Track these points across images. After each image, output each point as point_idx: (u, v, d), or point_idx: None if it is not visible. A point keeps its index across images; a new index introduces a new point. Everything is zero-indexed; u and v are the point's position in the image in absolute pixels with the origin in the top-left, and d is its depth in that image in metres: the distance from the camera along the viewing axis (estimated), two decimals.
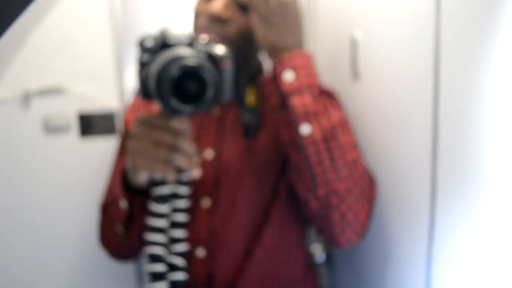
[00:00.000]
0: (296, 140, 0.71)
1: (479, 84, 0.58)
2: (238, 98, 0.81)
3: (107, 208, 0.84)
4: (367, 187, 0.77)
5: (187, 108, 0.60)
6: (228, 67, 0.66)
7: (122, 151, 0.90)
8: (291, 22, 0.72)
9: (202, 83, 0.59)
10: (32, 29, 1.10)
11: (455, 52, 0.62)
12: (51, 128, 1.13)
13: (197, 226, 0.79)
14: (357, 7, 0.91)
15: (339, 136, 0.72)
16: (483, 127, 0.58)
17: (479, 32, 0.57)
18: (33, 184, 1.13)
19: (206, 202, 0.82)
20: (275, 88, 0.73)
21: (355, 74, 0.93)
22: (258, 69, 0.90)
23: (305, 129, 0.70)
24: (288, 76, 0.70)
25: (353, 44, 0.91)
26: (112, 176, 0.90)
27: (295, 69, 0.70)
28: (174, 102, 0.59)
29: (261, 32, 0.71)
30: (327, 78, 0.97)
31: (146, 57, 0.64)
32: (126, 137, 0.89)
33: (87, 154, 1.16)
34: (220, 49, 0.66)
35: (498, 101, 0.55)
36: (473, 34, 0.58)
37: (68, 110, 1.15)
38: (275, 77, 0.71)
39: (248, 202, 0.82)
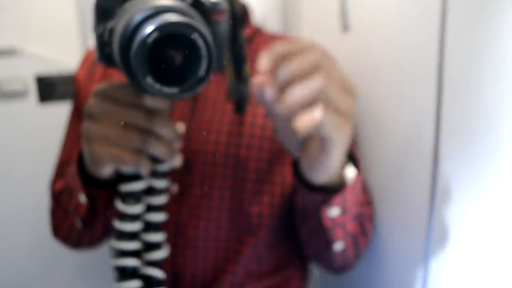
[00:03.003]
0: (326, 253, 0.64)
1: (495, 34, 0.49)
2: (233, 63, 0.59)
3: (61, 198, 0.69)
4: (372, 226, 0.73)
5: (169, 90, 0.39)
6: (223, 21, 0.46)
7: (74, 123, 0.76)
8: None
9: (192, 53, 0.39)
10: None
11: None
12: (6, 93, 1.01)
13: None
14: None
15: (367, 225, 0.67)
16: (495, 93, 0.50)
17: None
18: None
19: (173, 188, 0.69)
20: (303, 203, 0.60)
21: (345, 25, 0.82)
22: (242, 18, 0.72)
23: (339, 245, 0.61)
24: (334, 212, 0.55)
25: None
26: (62, 155, 0.77)
27: (344, 202, 0.55)
28: (150, 82, 0.38)
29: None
30: (313, 31, 0.87)
31: (105, 3, 0.45)
32: (78, 102, 0.76)
33: (47, 122, 1.04)
34: None
35: None
36: None
37: (24, 73, 1.03)
38: (316, 210, 0.55)
39: (222, 195, 0.68)
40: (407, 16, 0.64)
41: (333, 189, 0.52)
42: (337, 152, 0.44)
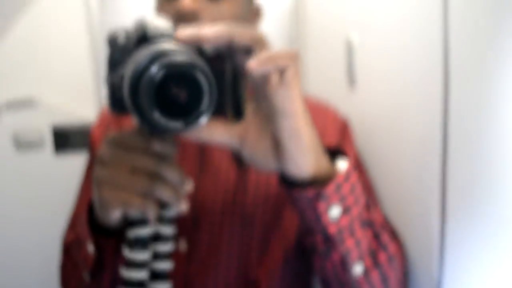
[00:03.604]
0: (344, 280, 0.59)
1: (496, 91, 0.51)
2: (235, 112, 0.58)
3: (71, 249, 0.70)
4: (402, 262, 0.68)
5: (174, 124, 0.42)
6: (224, 69, 0.49)
7: (89, 178, 0.79)
8: None
9: (195, 89, 0.42)
10: None
11: (466, 54, 0.55)
12: (22, 143, 1.04)
13: (171, 274, 0.60)
14: (352, 6, 0.83)
15: (389, 247, 0.62)
16: (500, 141, 0.51)
17: (495, 30, 0.49)
18: (3, 205, 1.05)
19: (182, 245, 0.70)
20: (303, 218, 0.55)
21: (351, 81, 0.85)
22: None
23: (358, 268, 0.57)
24: (335, 212, 0.51)
25: (349, 48, 0.83)
26: (76, 208, 0.79)
27: (343, 199, 0.51)
28: (157, 116, 0.42)
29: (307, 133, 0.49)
30: (319, 85, 0.90)
31: (117, 56, 0.48)
32: (93, 158, 0.78)
33: (62, 172, 1.07)
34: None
35: None
36: (487, 33, 0.51)
37: (40, 124, 1.06)
38: (316, 218, 0.52)
39: (230, 253, 0.69)
40: (412, 72, 0.66)
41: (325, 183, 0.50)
42: (297, 86, 0.45)
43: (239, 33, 0.44)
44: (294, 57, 0.45)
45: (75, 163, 1.05)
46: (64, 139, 1.07)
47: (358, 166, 0.76)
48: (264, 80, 0.45)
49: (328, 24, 0.95)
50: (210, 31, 0.44)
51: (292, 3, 1.07)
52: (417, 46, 0.65)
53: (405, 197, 0.71)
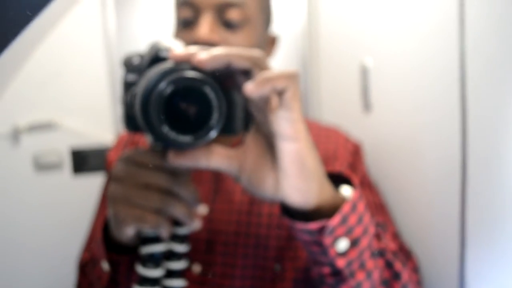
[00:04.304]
0: None
1: None
2: (244, 128, 0.58)
3: (86, 269, 0.70)
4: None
5: (184, 139, 0.42)
6: (235, 90, 0.49)
7: (105, 199, 0.79)
8: None
9: (204, 104, 0.42)
10: (21, 61, 1.04)
11: (483, 75, 0.55)
12: (42, 165, 1.07)
13: None
14: (366, 32, 0.84)
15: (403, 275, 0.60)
16: None
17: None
18: (22, 225, 1.06)
19: (196, 268, 0.69)
20: (308, 250, 0.51)
21: (367, 105, 0.85)
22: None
23: None
24: (342, 245, 0.48)
25: (364, 73, 0.84)
26: (92, 229, 0.80)
27: (350, 231, 0.48)
28: (166, 131, 0.42)
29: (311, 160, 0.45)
30: (334, 110, 0.90)
31: (131, 77, 0.50)
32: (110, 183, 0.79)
33: (80, 193, 1.09)
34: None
35: None
36: (504, 60, 0.51)
37: (60, 146, 1.08)
38: (323, 252, 0.49)
39: (244, 273, 0.69)
40: (428, 95, 0.67)
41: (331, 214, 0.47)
42: (298, 108, 0.43)
43: (236, 55, 0.43)
44: (293, 78, 0.42)
45: (92, 184, 1.07)
46: (82, 161, 1.09)
47: (370, 187, 0.75)
48: (263, 102, 0.43)
49: (342, 49, 0.95)
50: (206, 53, 0.42)
51: (305, 29, 1.08)
52: (432, 71, 0.65)
53: (423, 220, 0.70)
